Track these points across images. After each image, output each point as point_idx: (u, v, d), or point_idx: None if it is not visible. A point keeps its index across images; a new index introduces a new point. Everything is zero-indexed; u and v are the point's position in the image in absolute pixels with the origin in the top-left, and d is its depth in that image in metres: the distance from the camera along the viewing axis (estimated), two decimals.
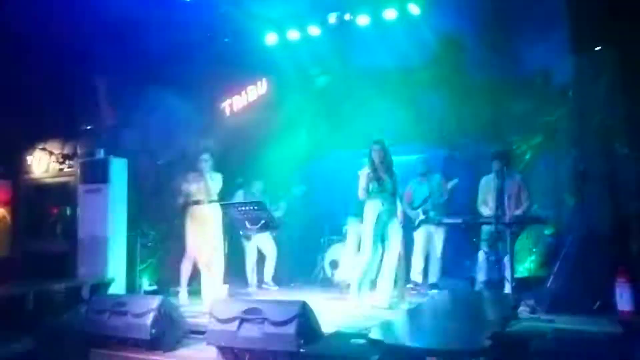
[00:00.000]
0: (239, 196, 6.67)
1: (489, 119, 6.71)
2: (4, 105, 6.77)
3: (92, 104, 6.69)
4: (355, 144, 7.76)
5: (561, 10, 5.79)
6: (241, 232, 6.50)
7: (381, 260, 5.19)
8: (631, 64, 5.29)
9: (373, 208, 5.10)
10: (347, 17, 6.87)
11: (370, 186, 5.09)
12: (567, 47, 5.72)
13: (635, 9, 5.13)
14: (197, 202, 5.63)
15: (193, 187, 5.61)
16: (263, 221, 5.28)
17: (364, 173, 5.14)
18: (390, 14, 6.64)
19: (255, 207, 5.18)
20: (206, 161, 5.66)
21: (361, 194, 5.15)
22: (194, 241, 5.59)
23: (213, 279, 5.53)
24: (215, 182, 5.67)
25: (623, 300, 4.38)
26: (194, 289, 5.74)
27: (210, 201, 5.62)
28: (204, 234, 5.58)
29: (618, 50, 5.34)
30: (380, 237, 5.12)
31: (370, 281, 5.29)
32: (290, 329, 3.50)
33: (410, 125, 7.23)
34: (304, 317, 3.57)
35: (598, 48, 5.36)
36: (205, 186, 5.60)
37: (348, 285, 6.32)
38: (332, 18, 6.96)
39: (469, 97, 6.88)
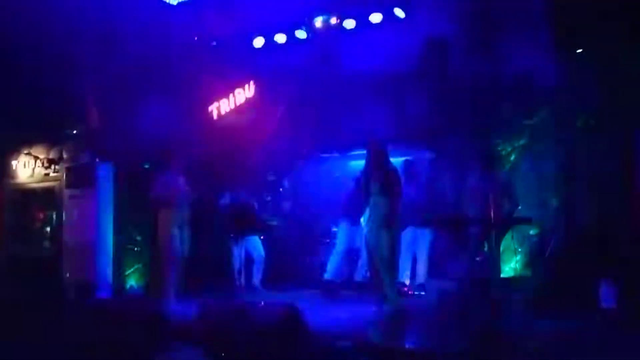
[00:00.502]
0: (226, 199, 6.66)
1: (473, 121, 6.77)
2: None
3: (77, 108, 6.65)
4: (342, 147, 7.82)
5: (544, 12, 5.89)
6: (230, 235, 6.49)
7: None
8: (613, 65, 5.40)
9: (367, 209, 5.10)
10: (333, 21, 6.90)
11: (364, 187, 5.08)
12: (550, 49, 5.82)
13: (616, 11, 5.24)
14: (185, 205, 5.63)
15: (177, 189, 5.61)
16: (251, 224, 5.28)
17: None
18: (376, 17, 6.69)
19: (243, 210, 5.18)
20: (183, 165, 5.75)
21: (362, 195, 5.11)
22: (178, 244, 5.61)
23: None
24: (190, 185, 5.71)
25: (605, 298, 4.46)
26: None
27: (190, 204, 5.64)
28: (183, 237, 5.63)
29: (600, 52, 5.45)
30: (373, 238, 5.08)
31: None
32: (278, 331, 3.50)
33: (396, 128, 7.29)
34: (292, 320, 3.58)
35: (580, 50, 5.45)
36: (185, 190, 5.63)
37: (336, 287, 6.37)
38: (319, 22, 6.99)
39: (454, 99, 6.94)
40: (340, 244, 6.53)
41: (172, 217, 5.62)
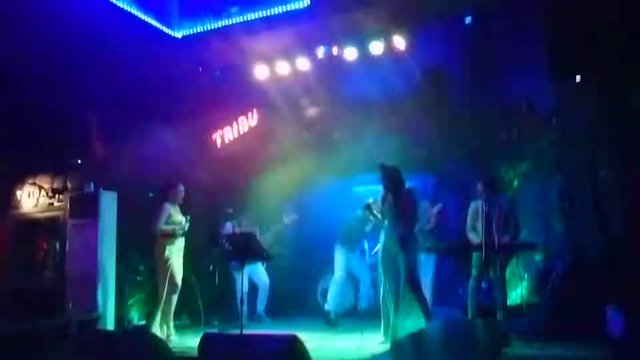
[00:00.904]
0: (228, 228, 6.65)
1: (475, 147, 6.82)
2: None
3: (82, 138, 6.72)
4: (344, 173, 7.85)
5: (542, 41, 5.99)
6: (232, 264, 6.48)
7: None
8: (610, 92, 5.46)
9: (382, 234, 5.05)
10: (334, 50, 7.03)
11: (380, 211, 5.01)
12: (549, 76, 5.90)
13: (612, 40, 5.32)
14: (179, 235, 5.69)
15: (177, 219, 5.65)
16: (254, 252, 5.27)
17: None
18: (376, 47, 6.81)
19: (245, 238, 5.17)
20: (183, 192, 5.82)
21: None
22: (179, 274, 5.62)
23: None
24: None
25: (613, 325, 4.40)
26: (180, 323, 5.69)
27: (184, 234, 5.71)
28: (180, 267, 5.67)
29: (598, 80, 5.51)
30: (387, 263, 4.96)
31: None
32: None
33: (398, 154, 7.33)
34: (295, 351, 3.53)
35: (578, 78, 5.52)
36: (182, 219, 5.71)
37: (337, 318, 6.30)
38: (320, 52, 7.12)
39: (456, 125, 7.00)
40: (338, 272, 6.46)
41: (170, 246, 5.65)
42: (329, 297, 6.40)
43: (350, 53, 6.96)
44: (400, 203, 4.86)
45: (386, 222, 4.97)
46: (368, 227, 6.50)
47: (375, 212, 5.08)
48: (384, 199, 4.98)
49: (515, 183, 6.60)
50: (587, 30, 5.44)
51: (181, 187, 5.80)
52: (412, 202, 4.96)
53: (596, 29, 5.40)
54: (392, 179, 4.97)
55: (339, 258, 6.47)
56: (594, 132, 5.59)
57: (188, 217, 5.78)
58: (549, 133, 6.13)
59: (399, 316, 4.81)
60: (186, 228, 5.71)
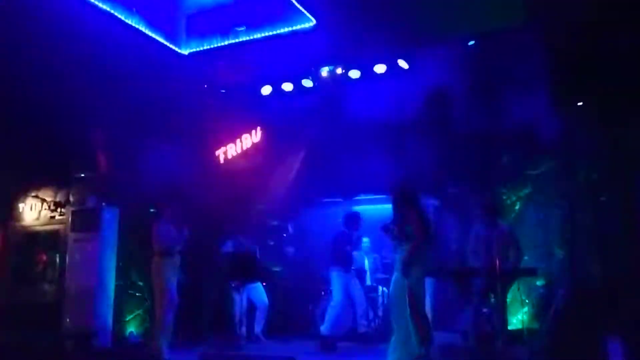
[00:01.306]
0: (228, 246, 6.63)
1: (478, 170, 6.81)
2: None
3: (86, 153, 6.76)
4: (346, 194, 7.86)
5: (544, 65, 6.02)
6: (232, 284, 6.44)
7: None
8: (612, 117, 5.47)
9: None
10: (339, 71, 7.09)
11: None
12: (551, 101, 5.91)
13: (614, 65, 5.35)
14: (177, 253, 5.67)
15: (173, 237, 5.66)
16: (253, 271, 5.25)
17: None
18: (380, 68, 6.86)
19: (245, 257, 5.16)
20: (180, 209, 5.81)
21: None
22: (175, 291, 5.60)
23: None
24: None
25: (615, 358, 4.33)
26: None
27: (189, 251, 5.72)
28: (175, 284, 5.63)
29: (599, 105, 5.52)
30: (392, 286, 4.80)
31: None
32: None
33: (401, 175, 7.32)
34: None
35: (580, 103, 5.54)
36: (178, 236, 5.71)
37: (334, 342, 6.21)
38: (325, 72, 7.18)
39: (458, 148, 7.00)
40: (336, 296, 6.35)
41: (168, 263, 5.63)
42: (326, 320, 6.31)
43: (354, 73, 7.01)
44: (407, 225, 4.76)
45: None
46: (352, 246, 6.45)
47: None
48: (393, 222, 4.90)
49: (518, 207, 6.58)
50: (589, 55, 5.48)
51: (177, 206, 5.79)
52: (421, 224, 4.81)
53: (598, 54, 5.43)
54: (399, 201, 4.90)
55: (335, 280, 6.37)
56: (596, 157, 5.58)
57: (184, 233, 5.78)
58: (552, 157, 6.12)
59: (401, 341, 4.73)
60: (182, 247, 5.72)
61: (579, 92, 5.65)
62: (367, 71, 6.98)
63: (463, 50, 6.46)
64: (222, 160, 7.97)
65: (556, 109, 5.69)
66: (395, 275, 4.79)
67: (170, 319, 5.58)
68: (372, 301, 7.26)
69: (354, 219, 6.69)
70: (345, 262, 6.48)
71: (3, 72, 5.73)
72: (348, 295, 6.46)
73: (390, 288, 4.84)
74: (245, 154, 8.06)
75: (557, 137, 5.96)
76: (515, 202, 6.54)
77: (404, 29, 6.49)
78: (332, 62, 7.15)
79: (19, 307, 6.80)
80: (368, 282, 7.47)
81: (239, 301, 6.46)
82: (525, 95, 6.02)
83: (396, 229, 4.77)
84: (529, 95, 5.97)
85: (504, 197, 6.53)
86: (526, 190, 6.47)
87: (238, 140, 8.10)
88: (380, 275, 7.71)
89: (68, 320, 5.95)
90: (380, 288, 7.42)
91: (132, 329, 6.22)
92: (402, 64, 6.77)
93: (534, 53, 6.14)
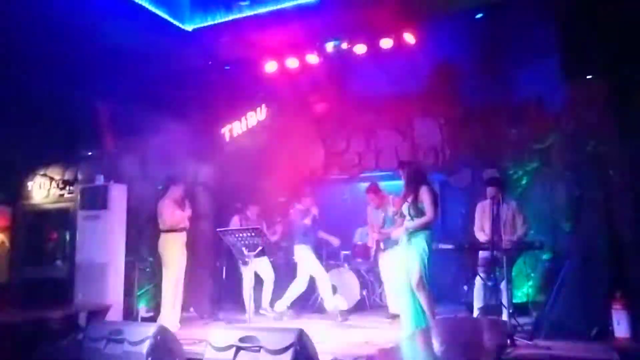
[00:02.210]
0: (235, 222, 6.71)
1: (484, 145, 6.78)
2: (6, 131, 6.86)
3: (92, 131, 6.78)
4: (352, 169, 7.87)
5: (553, 38, 5.93)
6: (238, 258, 6.52)
7: None
8: (622, 91, 5.40)
9: None
10: (344, 46, 7.00)
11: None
12: (559, 75, 5.84)
13: (625, 38, 5.26)
14: (183, 229, 5.82)
15: (186, 214, 5.78)
16: (260, 247, 5.30)
17: None
18: (386, 43, 6.78)
19: (252, 233, 5.20)
20: (183, 190, 6.04)
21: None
22: (183, 266, 5.72)
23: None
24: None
25: (620, 327, 4.38)
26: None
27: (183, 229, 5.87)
28: (184, 259, 5.80)
29: (609, 79, 5.45)
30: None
31: None
32: (287, 357, 3.49)
33: (406, 151, 7.33)
34: (301, 346, 3.56)
35: (589, 77, 5.46)
36: (182, 214, 5.88)
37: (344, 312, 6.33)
38: (330, 47, 7.10)
39: (464, 123, 6.97)
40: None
41: (173, 240, 5.76)
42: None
43: (360, 48, 6.93)
44: (419, 201, 4.78)
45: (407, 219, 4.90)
46: (307, 220, 6.53)
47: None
48: (405, 197, 4.92)
49: (524, 181, 6.57)
50: (599, 28, 5.38)
51: (181, 185, 5.91)
52: (432, 199, 4.83)
53: (608, 27, 5.33)
54: (411, 177, 4.92)
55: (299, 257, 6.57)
56: (604, 131, 5.53)
57: (189, 211, 5.99)
58: (559, 131, 6.08)
59: (409, 312, 4.80)
60: (186, 224, 5.93)
61: (588, 64, 5.56)
62: (372, 46, 6.89)
63: (471, 23, 6.36)
64: (227, 139, 7.97)
65: (565, 81, 5.62)
66: (400, 249, 4.84)
67: (179, 293, 5.71)
68: (377, 275, 7.35)
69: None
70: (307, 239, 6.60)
71: (9, 51, 5.72)
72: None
73: (396, 262, 4.89)
74: (250, 131, 8.05)
75: (564, 111, 5.91)
76: (522, 176, 6.53)
77: (410, 2, 6.39)
78: (338, 36, 7.06)
79: (32, 285, 6.92)
80: (373, 257, 7.55)
81: (246, 275, 6.57)
82: (533, 67, 5.96)
83: (409, 204, 4.81)
84: (537, 67, 5.91)
85: (511, 172, 6.52)
86: (534, 165, 6.45)
87: (243, 118, 8.08)
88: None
89: (80, 296, 6.05)
90: None
91: (143, 303, 6.34)
92: (409, 38, 6.68)
93: (542, 25, 6.05)
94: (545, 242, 5.56)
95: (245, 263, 6.49)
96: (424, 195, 4.75)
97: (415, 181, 4.87)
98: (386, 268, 6.35)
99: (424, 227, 4.74)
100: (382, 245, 6.45)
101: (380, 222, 6.48)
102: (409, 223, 4.76)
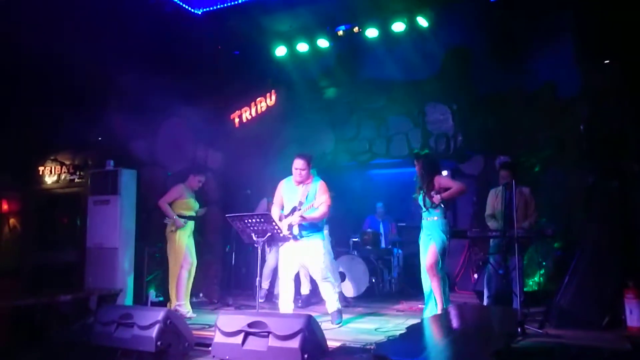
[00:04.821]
0: (263, 205, 6.69)
1: (497, 132, 6.69)
2: (17, 116, 6.89)
3: (103, 116, 6.77)
4: (362, 156, 7.80)
5: (568, 23, 5.79)
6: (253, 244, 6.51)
7: None
8: (638, 77, 5.27)
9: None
10: (355, 29, 6.90)
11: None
12: (574, 60, 5.71)
13: None
14: (192, 218, 5.83)
15: (190, 204, 5.77)
16: (268, 233, 5.28)
17: None
18: (398, 26, 6.66)
19: (261, 219, 5.18)
20: (202, 182, 5.98)
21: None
22: (191, 253, 5.74)
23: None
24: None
25: (632, 317, 4.33)
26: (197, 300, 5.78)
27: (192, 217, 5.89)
28: (192, 247, 5.81)
29: (625, 64, 5.32)
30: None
31: None
32: (295, 343, 3.49)
33: (418, 138, 7.25)
34: (309, 332, 3.56)
35: (606, 62, 5.34)
36: (195, 203, 5.87)
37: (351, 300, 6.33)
38: (341, 31, 7.00)
39: (477, 109, 6.87)
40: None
41: (190, 226, 5.77)
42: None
43: (372, 32, 6.83)
44: (437, 192, 4.80)
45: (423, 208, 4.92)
46: None
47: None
48: (420, 187, 4.93)
49: (537, 169, 6.48)
50: (614, 12, 5.24)
51: (202, 178, 5.90)
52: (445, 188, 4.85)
53: (623, 10, 5.19)
54: (426, 168, 4.91)
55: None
56: (620, 117, 5.42)
57: (205, 208, 6.04)
58: (573, 119, 5.97)
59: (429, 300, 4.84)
60: (199, 213, 5.93)
61: (603, 49, 5.43)
62: (384, 30, 6.78)
63: (484, 6, 6.22)
64: (237, 124, 7.93)
65: (580, 66, 5.50)
66: (424, 239, 4.84)
67: (188, 278, 5.73)
68: (387, 263, 7.33)
69: None
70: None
71: (21, 38, 5.72)
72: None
73: (422, 251, 4.91)
74: (259, 117, 8.00)
75: (579, 97, 5.79)
76: (534, 163, 6.44)
77: None
78: (348, 20, 6.95)
79: (43, 270, 6.99)
80: (382, 245, 7.53)
81: (259, 261, 6.57)
82: (548, 52, 5.83)
83: (425, 195, 4.81)
84: (552, 52, 5.78)
85: (523, 159, 6.42)
86: (547, 152, 6.35)
87: (253, 104, 8.03)
88: (394, 238, 7.76)
89: (90, 280, 6.10)
90: (395, 250, 7.49)
91: (152, 288, 6.38)
92: (422, 21, 6.55)
93: (557, 9, 5.92)
94: (558, 231, 5.50)
95: (258, 249, 6.49)
96: (442, 184, 4.77)
97: (430, 173, 4.87)
98: None
99: (443, 215, 4.82)
100: None
101: None
102: (431, 214, 4.82)
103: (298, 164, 5.07)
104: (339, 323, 4.99)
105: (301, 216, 4.90)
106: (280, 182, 5.28)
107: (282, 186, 5.21)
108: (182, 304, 5.69)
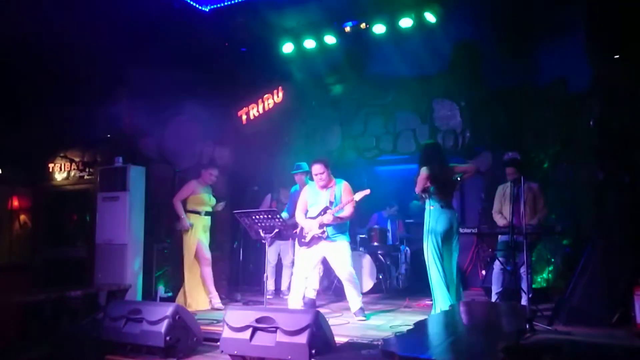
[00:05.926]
0: (267, 200, 6.77)
1: (505, 127, 6.64)
2: (27, 114, 6.94)
3: (111, 113, 6.81)
4: (369, 152, 7.79)
5: (579, 18, 5.73)
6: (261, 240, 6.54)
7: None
8: None
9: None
10: (362, 25, 6.87)
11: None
12: (584, 55, 5.65)
13: None
14: (207, 213, 5.91)
15: (204, 199, 5.81)
16: (276, 229, 5.29)
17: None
18: (406, 22, 6.62)
19: (268, 215, 5.20)
20: (215, 176, 6.03)
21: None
22: (205, 248, 5.83)
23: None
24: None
25: None
26: None
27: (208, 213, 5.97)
28: (207, 242, 5.92)
29: (636, 58, 5.26)
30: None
31: None
32: (302, 338, 3.50)
33: (425, 134, 7.22)
34: (317, 327, 3.57)
35: (616, 57, 5.28)
36: (210, 198, 5.96)
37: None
38: (348, 27, 6.98)
39: (486, 105, 6.82)
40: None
41: (195, 222, 5.80)
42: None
43: (379, 28, 6.80)
44: (441, 184, 4.79)
45: (430, 201, 4.89)
46: None
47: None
48: (427, 179, 4.89)
49: (546, 165, 6.43)
50: (625, 6, 5.17)
51: (214, 171, 5.95)
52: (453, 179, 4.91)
53: (634, 4, 5.12)
54: (431, 158, 4.89)
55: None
56: (631, 113, 5.36)
57: (222, 202, 6.08)
58: (583, 114, 5.91)
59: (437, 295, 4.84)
60: (218, 208, 6.02)
61: (614, 44, 5.37)
62: (391, 25, 6.75)
63: (493, 1, 6.18)
64: (244, 121, 7.95)
65: (591, 61, 5.44)
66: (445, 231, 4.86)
67: (207, 274, 5.82)
68: (394, 259, 7.32)
69: None
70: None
71: (31, 35, 5.76)
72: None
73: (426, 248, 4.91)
74: (267, 113, 8.00)
75: (590, 92, 5.73)
76: (544, 159, 6.39)
77: None
78: (356, 16, 6.92)
79: (53, 265, 7.05)
80: (390, 241, 7.51)
81: (267, 258, 6.59)
82: (558, 47, 5.77)
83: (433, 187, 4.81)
84: (562, 47, 5.72)
85: (532, 155, 6.38)
86: (556, 148, 6.30)
87: (260, 101, 8.04)
88: (402, 235, 7.74)
89: (100, 276, 6.15)
90: (402, 247, 7.47)
91: (161, 284, 6.42)
92: (429, 17, 6.51)
93: (567, 4, 5.86)
94: (567, 227, 5.47)
95: (265, 245, 6.53)
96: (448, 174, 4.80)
97: (437, 162, 4.87)
98: None
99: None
100: None
101: None
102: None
103: (316, 169, 5.14)
104: (364, 317, 5.05)
105: (333, 215, 4.93)
106: (304, 188, 5.46)
107: (307, 191, 5.34)
108: (215, 295, 5.82)
